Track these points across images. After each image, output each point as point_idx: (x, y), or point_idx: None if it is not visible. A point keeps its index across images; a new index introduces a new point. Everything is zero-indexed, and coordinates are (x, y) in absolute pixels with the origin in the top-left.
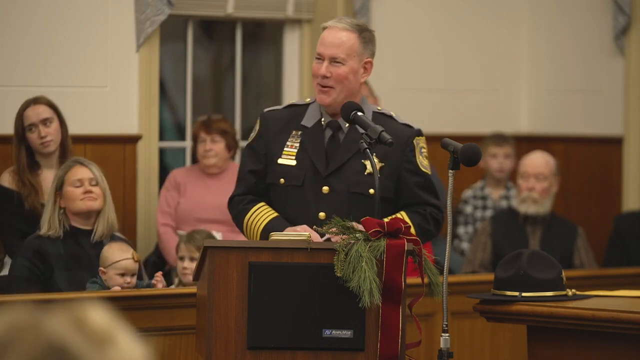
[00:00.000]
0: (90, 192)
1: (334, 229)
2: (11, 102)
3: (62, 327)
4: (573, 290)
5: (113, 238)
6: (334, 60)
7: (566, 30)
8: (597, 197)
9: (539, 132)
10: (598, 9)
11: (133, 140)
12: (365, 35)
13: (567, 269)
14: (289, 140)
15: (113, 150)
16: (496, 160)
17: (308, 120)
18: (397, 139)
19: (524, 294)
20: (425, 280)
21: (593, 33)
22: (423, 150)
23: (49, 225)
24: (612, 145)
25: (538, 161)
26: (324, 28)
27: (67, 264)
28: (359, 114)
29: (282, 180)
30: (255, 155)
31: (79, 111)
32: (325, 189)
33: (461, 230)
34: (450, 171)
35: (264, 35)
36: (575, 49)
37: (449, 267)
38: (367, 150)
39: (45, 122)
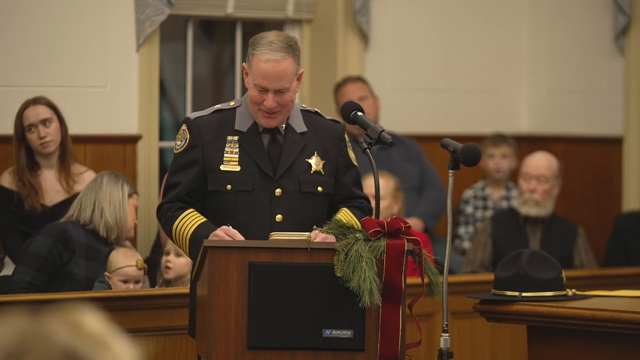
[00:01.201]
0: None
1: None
2: (11, 102)
3: (68, 333)
4: (573, 290)
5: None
6: (278, 91)
7: (566, 30)
8: (597, 197)
9: (539, 132)
10: (598, 9)
11: (133, 140)
12: (296, 51)
13: (567, 269)
14: (227, 146)
15: (113, 150)
16: (493, 160)
17: (241, 124)
18: (331, 135)
19: (524, 294)
20: (425, 280)
21: (593, 33)
22: (349, 143)
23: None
24: (612, 145)
25: (540, 162)
26: (256, 54)
27: (86, 252)
28: (359, 114)
29: (229, 186)
30: (188, 164)
31: (79, 111)
32: (278, 191)
33: (462, 230)
34: (450, 171)
35: None
36: (575, 49)
37: (449, 267)
38: (367, 150)
39: (44, 122)
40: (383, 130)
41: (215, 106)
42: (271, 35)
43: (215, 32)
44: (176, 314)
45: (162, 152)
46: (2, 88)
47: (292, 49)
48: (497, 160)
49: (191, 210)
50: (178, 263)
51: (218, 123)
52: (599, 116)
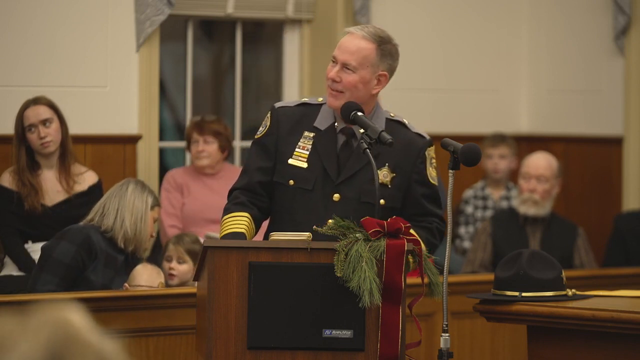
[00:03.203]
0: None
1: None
2: (11, 102)
3: (53, 330)
4: (573, 290)
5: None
6: (345, 67)
7: (566, 30)
8: (597, 197)
9: (539, 132)
10: (598, 9)
11: (133, 140)
12: (385, 47)
13: (567, 269)
14: (301, 140)
15: (113, 150)
16: (491, 160)
17: (321, 122)
18: (410, 149)
19: (524, 294)
20: (425, 280)
21: (593, 33)
22: (433, 161)
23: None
24: (612, 145)
25: (540, 162)
26: (346, 32)
27: (105, 260)
28: (359, 114)
29: (291, 181)
30: (264, 151)
31: (79, 111)
32: (336, 196)
33: (462, 230)
34: (450, 171)
35: (264, 35)
36: (575, 49)
37: (449, 267)
38: (367, 150)
39: (45, 122)
40: (383, 131)
41: (303, 99)
42: (370, 24)
43: (215, 32)
44: (176, 314)
45: (162, 152)
46: (2, 88)
47: (380, 39)
48: (495, 160)
49: (242, 214)
50: (181, 270)
51: (299, 116)
52: (599, 116)
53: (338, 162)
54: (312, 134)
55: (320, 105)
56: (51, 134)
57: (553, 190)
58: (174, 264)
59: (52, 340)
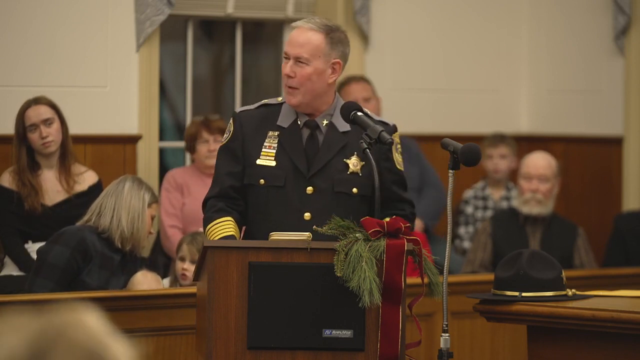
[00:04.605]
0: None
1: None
2: (11, 102)
3: (81, 331)
4: (573, 290)
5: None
6: (298, 60)
7: (566, 30)
8: (597, 197)
9: (539, 132)
10: (598, 9)
11: (133, 140)
12: (334, 35)
13: (567, 269)
14: (267, 140)
15: (113, 150)
16: (491, 161)
17: (283, 120)
18: None
19: (524, 294)
20: (425, 280)
21: (593, 33)
22: (399, 146)
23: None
24: (612, 145)
25: (540, 162)
26: (293, 28)
27: (100, 261)
28: (359, 114)
29: (262, 181)
30: (231, 156)
31: (79, 111)
32: (310, 189)
33: (462, 230)
34: (450, 171)
35: (264, 35)
36: (575, 49)
37: (449, 267)
38: (367, 150)
39: (46, 122)
40: (383, 130)
41: (263, 101)
42: (317, 16)
43: (215, 32)
44: (176, 314)
45: (162, 152)
46: (2, 88)
47: (328, 28)
48: (496, 160)
49: (225, 218)
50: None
51: (261, 118)
52: (599, 116)
53: (306, 155)
54: (276, 133)
55: (280, 104)
56: (52, 134)
57: (554, 189)
58: (187, 265)
59: (38, 334)
